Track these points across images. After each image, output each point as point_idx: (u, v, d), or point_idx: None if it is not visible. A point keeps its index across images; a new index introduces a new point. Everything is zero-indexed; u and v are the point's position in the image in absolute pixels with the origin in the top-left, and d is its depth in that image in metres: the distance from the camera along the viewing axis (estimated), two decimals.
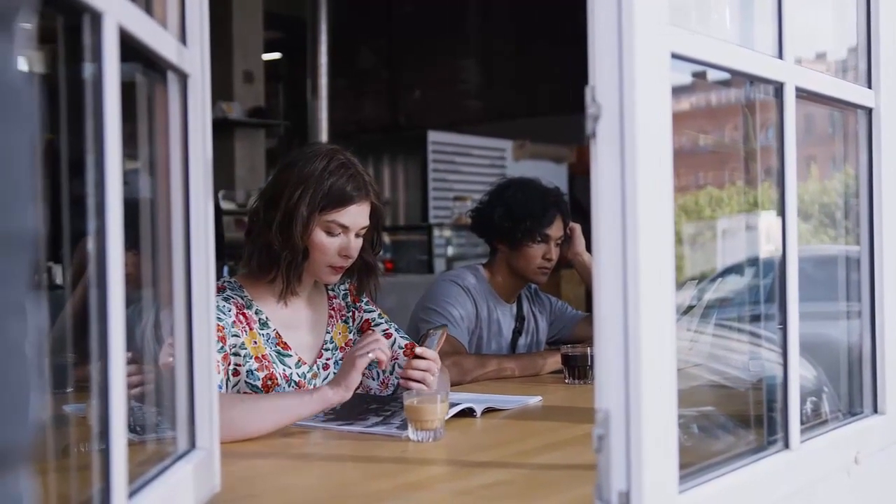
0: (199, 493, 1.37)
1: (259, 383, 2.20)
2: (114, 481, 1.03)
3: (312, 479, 1.69)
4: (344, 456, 1.81)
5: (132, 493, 1.12)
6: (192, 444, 1.40)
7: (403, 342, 2.42)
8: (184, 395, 1.40)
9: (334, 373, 2.33)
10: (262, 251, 2.24)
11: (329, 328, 2.39)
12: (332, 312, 2.42)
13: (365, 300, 2.47)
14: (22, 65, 0.60)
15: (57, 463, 1.26)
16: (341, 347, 2.40)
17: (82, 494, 1.17)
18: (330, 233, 2.23)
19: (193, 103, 1.39)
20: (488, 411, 2.22)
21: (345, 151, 2.30)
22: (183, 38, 1.38)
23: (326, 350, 2.37)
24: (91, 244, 1.04)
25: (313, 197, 2.19)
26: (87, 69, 1.04)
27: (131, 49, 1.13)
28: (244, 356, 2.19)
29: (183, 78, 1.38)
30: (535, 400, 2.40)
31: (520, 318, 3.20)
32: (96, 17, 1.02)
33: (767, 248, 1.91)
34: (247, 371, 2.19)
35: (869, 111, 1.85)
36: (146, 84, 1.35)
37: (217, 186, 1.61)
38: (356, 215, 2.24)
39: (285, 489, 1.64)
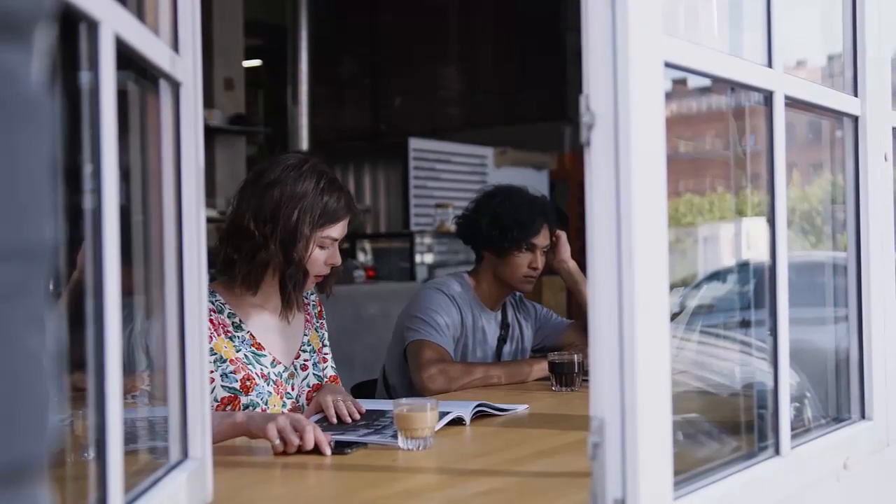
0: (192, 503, 1.36)
1: (237, 385, 2.24)
2: (110, 492, 1.03)
3: (304, 489, 1.68)
4: (335, 465, 1.80)
5: None
6: (185, 454, 1.39)
7: (331, 373, 2.51)
8: (176, 405, 1.39)
9: (313, 373, 2.43)
10: (260, 268, 2.28)
11: (306, 331, 2.46)
12: (308, 317, 2.49)
13: (325, 318, 2.57)
14: (40, 76, 0.60)
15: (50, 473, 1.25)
16: (318, 351, 2.48)
17: None
18: (322, 247, 2.31)
19: (186, 111, 1.39)
20: (479, 417, 2.22)
21: (322, 164, 2.39)
22: (175, 46, 1.37)
23: (304, 351, 2.44)
24: (87, 253, 1.03)
25: (313, 216, 2.27)
26: (83, 77, 1.04)
27: (124, 57, 1.13)
28: (215, 361, 2.22)
29: (175, 86, 1.37)
30: (522, 408, 2.40)
31: (505, 326, 3.20)
32: (93, 26, 1.01)
33: (750, 255, 1.93)
34: (222, 375, 2.23)
35: (855, 119, 1.87)
36: (138, 92, 1.34)
37: None
38: (344, 227, 2.35)
39: (277, 499, 1.64)
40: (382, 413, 2.23)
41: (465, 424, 2.15)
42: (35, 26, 0.59)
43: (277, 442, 1.86)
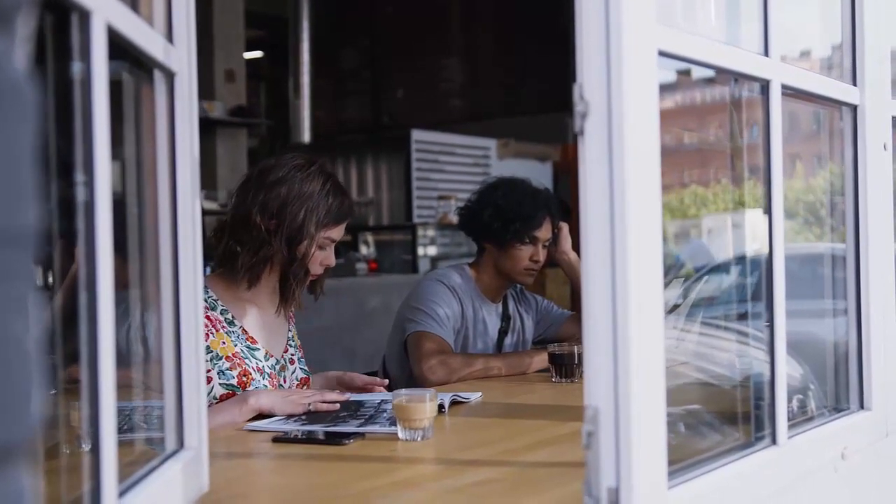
0: (187, 492, 1.36)
1: (234, 381, 2.27)
2: (104, 481, 1.03)
3: (301, 479, 1.69)
4: (332, 455, 1.81)
5: (122, 493, 1.12)
6: (181, 444, 1.40)
7: (301, 375, 2.51)
8: (172, 395, 1.40)
9: (300, 368, 2.48)
10: (262, 262, 2.32)
11: (290, 327, 2.52)
12: (291, 315, 2.54)
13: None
14: (23, 63, 0.60)
15: (44, 463, 1.25)
16: (299, 346, 2.54)
17: (71, 495, 1.17)
18: (321, 247, 2.36)
19: (180, 102, 1.39)
20: (477, 408, 2.23)
21: (328, 166, 2.43)
22: (170, 36, 1.37)
23: (291, 346, 2.49)
24: (79, 245, 1.03)
25: (318, 216, 2.32)
26: (75, 67, 1.04)
27: (118, 47, 1.13)
28: (212, 359, 2.24)
29: (170, 77, 1.37)
30: (475, 396, 2.42)
31: (506, 318, 3.20)
32: (84, 16, 1.01)
33: (752, 247, 1.92)
34: (218, 372, 2.25)
35: (854, 108, 1.86)
36: (132, 82, 1.34)
37: None
38: (342, 230, 2.41)
39: (274, 489, 1.64)
40: (361, 404, 2.25)
41: (444, 412, 2.16)
42: (17, 14, 0.59)
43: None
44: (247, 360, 2.30)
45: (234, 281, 2.35)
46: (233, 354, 2.28)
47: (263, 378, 2.32)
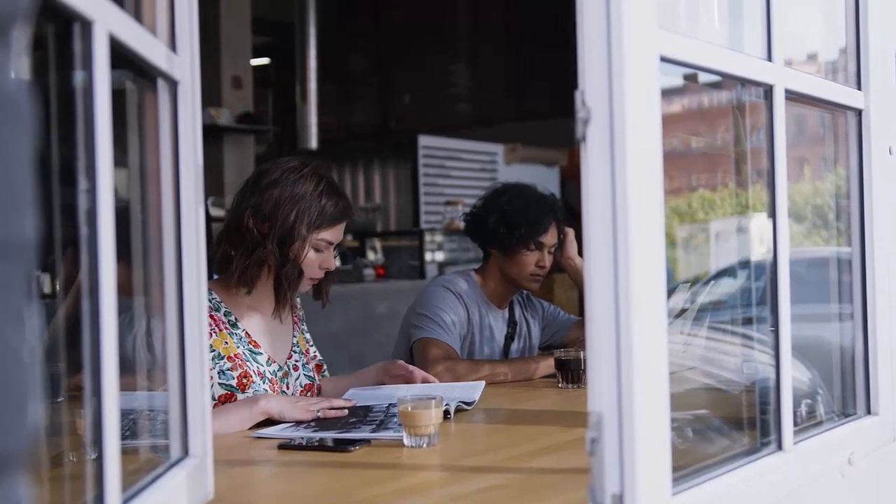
0: (192, 500, 1.36)
1: (234, 382, 2.28)
2: (108, 489, 1.03)
3: (306, 486, 1.68)
4: (338, 463, 1.80)
5: (126, 501, 1.12)
6: (186, 452, 1.40)
7: (305, 382, 2.50)
8: (177, 402, 1.40)
9: (304, 374, 2.48)
10: (256, 265, 2.32)
11: (295, 333, 2.51)
12: (296, 320, 2.54)
13: (304, 322, 2.61)
14: (19, 73, 0.60)
15: (49, 471, 1.26)
16: (305, 353, 2.52)
17: (76, 502, 1.17)
18: (317, 249, 2.36)
19: (184, 110, 1.39)
20: (459, 411, 2.23)
21: (323, 168, 2.43)
22: (173, 44, 1.38)
23: (295, 352, 2.49)
24: (83, 253, 1.04)
25: (310, 217, 2.31)
26: (77, 77, 1.04)
27: (121, 56, 1.13)
28: (213, 358, 2.25)
29: (173, 85, 1.37)
30: (479, 385, 2.45)
31: (512, 324, 3.20)
32: (87, 25, 1.02)
33: (760, 251, 1.92)
34: (219, 372, 2.26)
35: (858, 112, 1.86)
36: (136, 91, 1.35)
37: (206, 193, 1.63)
38: (339, 232, 2.40)
39: (279, 496, 1.64)
40: (370, 409, 2.24)
41: (450, 419, 2.15)
42: (13, 26, 0.59)
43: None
44: (248, 363, 2.31)
45: (243, 291, 2.35)
46: (234, 355, 2.29)
47: (264, 382, 2.32)
